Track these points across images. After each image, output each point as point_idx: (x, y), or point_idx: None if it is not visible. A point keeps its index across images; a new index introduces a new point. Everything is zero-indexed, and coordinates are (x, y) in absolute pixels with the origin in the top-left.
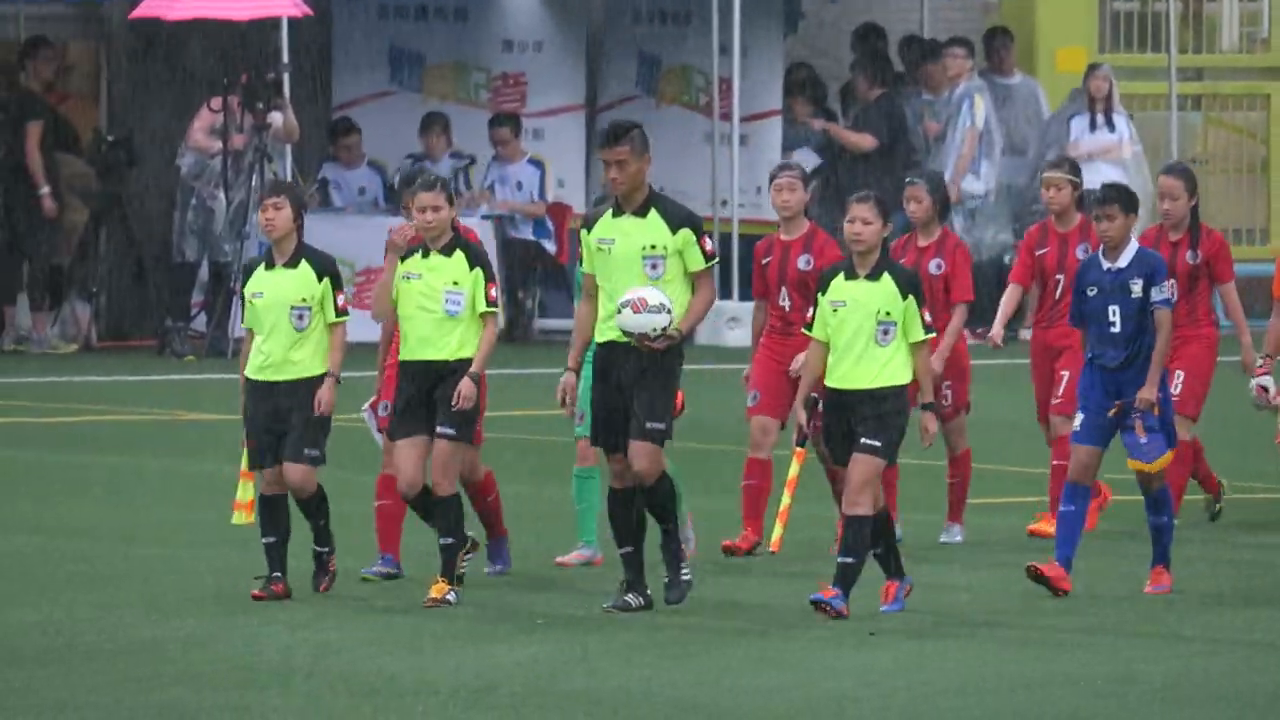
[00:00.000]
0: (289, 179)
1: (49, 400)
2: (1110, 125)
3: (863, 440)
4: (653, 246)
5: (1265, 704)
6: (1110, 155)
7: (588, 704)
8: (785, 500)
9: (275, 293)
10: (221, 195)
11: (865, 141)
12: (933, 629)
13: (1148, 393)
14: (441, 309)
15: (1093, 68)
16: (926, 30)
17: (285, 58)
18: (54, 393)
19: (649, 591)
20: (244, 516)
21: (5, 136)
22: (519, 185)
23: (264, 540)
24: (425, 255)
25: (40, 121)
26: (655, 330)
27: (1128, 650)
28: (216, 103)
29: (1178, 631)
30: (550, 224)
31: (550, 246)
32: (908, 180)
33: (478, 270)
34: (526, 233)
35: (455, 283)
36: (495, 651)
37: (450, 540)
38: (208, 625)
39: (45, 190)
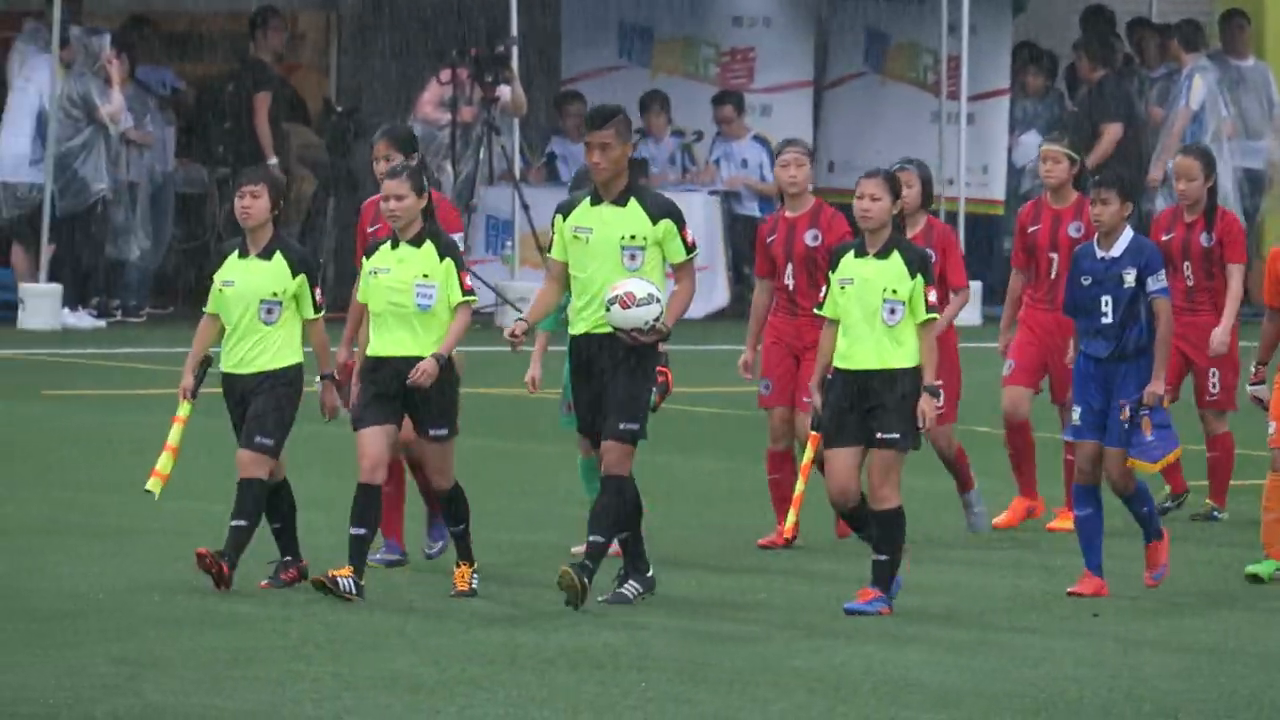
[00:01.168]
0: (516, 152)
1: None
2: None
3: (880, 436)
4: (632, 237)
5: None
6: None
7: (810, 681)
8: (800, 487)
9: (246, 283)
10: (449, 167)
11: (1112, 134)
12: (1153, 610)
13: (1155, 386)
14: (413, 303)
15: None
16: (1155, 13)
17: (514, 31)
18: None
19: (650, 574)
20: (158, 484)
21: (234, 107)
22: (744, 163)
23: (271, 527)
24: (394, 246)
25: (269, 92)
26: (647, 324)
27: None
28: (445, 75)
29: None
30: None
31: None
32: (898, 166)
33: (448, 261)
34: (752, 209)
35: (425, 275)
36: (715, 629)
37: (461, 528)
38: (431, 604)
39: (273, 161)
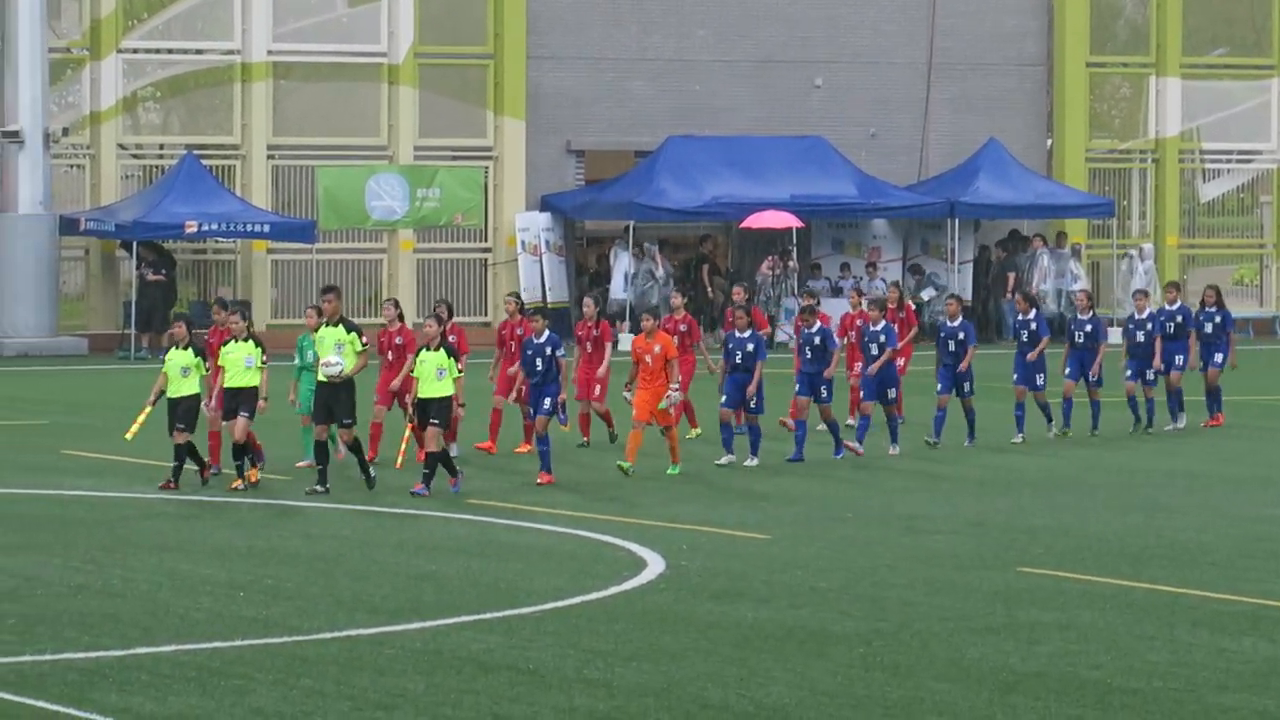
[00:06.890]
0: (796, 286)
1: None
2: None
3: (432, 419)
4: (339, 340)
5: None
6: None
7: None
8: (404, 441)
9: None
10: (771, 290)
11: (1011, 279)
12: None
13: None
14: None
15: None
16: (1026, 229)
17: (795, 242)
18: None
19: (329, 485)
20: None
21: (696, 270)
22: (870, 288)
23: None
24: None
25: (707, 264)
26: (338, 374)
27: None
28: (770, 259)
29: None
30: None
31: None
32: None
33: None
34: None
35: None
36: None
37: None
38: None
39: (707, 282)
